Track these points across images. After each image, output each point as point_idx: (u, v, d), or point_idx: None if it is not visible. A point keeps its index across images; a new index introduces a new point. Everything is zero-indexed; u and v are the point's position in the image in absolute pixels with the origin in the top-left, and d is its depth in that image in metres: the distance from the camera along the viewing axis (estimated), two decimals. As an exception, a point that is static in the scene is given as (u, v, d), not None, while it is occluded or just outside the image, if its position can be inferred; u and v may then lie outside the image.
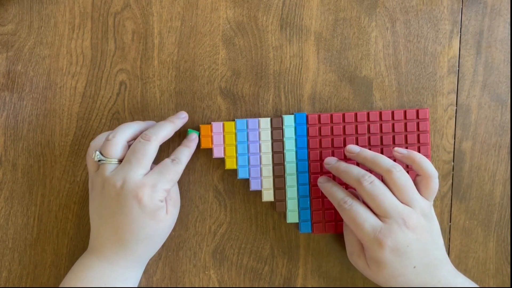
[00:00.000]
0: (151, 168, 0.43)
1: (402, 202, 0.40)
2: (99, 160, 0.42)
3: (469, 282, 0.42)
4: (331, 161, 0.44)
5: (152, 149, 0.42)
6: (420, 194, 0.41)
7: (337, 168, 0.43)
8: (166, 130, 0.44)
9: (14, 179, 0.48)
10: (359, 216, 0.40)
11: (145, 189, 0.41)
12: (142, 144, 0.42)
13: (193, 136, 0.46)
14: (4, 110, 0.48)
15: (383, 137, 0.46)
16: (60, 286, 0.43)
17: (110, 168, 0.42)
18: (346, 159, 0.46)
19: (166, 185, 0.42)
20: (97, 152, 0.42)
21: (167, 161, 0.43)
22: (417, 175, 0.42)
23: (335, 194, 0.42)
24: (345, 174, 0.42)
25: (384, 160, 0.41)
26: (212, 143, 0.46)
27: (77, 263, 0.44)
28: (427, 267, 0.40)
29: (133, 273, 0.44)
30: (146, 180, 0.41)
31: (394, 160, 0.42)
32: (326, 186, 0.43)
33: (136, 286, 0.45)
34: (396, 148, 0.43)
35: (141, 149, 0.42)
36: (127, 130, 0.44)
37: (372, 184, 0.40)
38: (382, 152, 0.46)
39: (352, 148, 0.44)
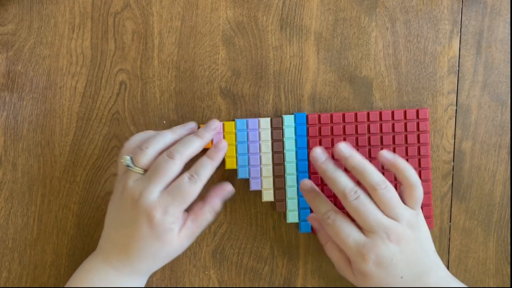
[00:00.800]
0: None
1: (388, 216, 0.40)
2: (127, 165, 0.42)
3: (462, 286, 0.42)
4: (319, 158, 0.42)
5: (174, 168, 0.41)
6: (405, 203, 0.41)
7: (324, 171, 0.42)
8: (193, 147, 0.42)
9: (14, 179, 0.48)
10: (343, 231, 0.40)
11: (157, 211, 0.40)
12: (166, 162, 0.41)
13: (222, 144, 0.43)
14: (4, 110, 0.48)
15: (383, 137, 0.46)
16: (67, 283, 0.43)
17: (134, 177, 0.41)
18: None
19: (179, 208, 0.40)
20: (128, 157, 0.42)
21: (184, 178, 0.41)
22: (401, 184, 0.42)
23: (318, 207, 0.42)
24: (331, 182, 0.41)
25: (371, 176, 0.40)
26: (212, 143, 0.46)
27: (84, 263, 0.44)
28: (416, 275, 0.40)
29: (136, 282, 0.43)
30: (159, 200, 0.40)
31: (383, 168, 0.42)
32: (309, 196, 0.43)
33: None
34: (382, 152, 0.42)
35: (163, 166, 0.41)
36: (161, 142, 0.43)
37: (357, 200, 0.40)
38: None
39: (342, 150, 0.41)
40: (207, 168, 0.42)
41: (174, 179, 0.41)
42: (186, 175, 0.41)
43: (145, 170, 0.42)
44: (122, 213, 0.42)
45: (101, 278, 0.42)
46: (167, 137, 0.43)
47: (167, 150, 0.42)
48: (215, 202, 0.43)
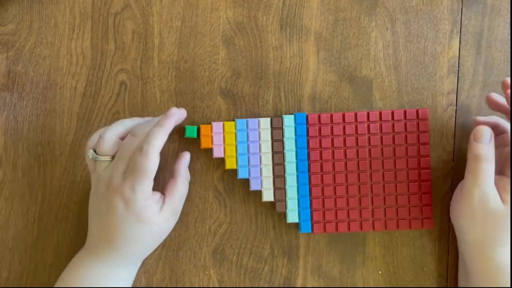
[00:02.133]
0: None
1: None
2: (93, 158, 0.43)
3: None
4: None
5: (133, 146, 0.41)
6: None
7: None
8: (151, 125, 0.42)
9: (14, 179, 0.48)
10: None
11: (125, 191, 0.40)
12: (129, 141, 0.42)
13: (172, 111, 0.42)
14: (4, 110, 0.48)
15: (383, 137, 0.46)
16: (57, 282, 0.43)
17: (103, 166, 0.42)
18: (345, 159, 0.46)
19: (144, 184, 0.40)
20: (91, 150, 0.43)
21: (135, 153, 0.40)
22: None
23: None
24: None
25: None
26: (212, 143, 0.46)
27: (73, 260, 0.44)
28: None
29: (126, 273, 0.44)
30: (125, 180, 0.40)
31: None
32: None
33: (131, 286, 0.45)
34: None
35: (126, 146, 0.41)
36: (119, 127, 0.43)
37: None
38: (382, 152, 0.46)
39: None
40: (157, 137, 0.40)
41: None
42: (137, 149, 0.40)
43: (112, 157, 0.42)
44: (99, 202, 0.42)
45: (89, 272, 0.42)
46: (124, 122, 0.44)
47: (130, 131, 0.43)
48: (182, 170, 0.44)
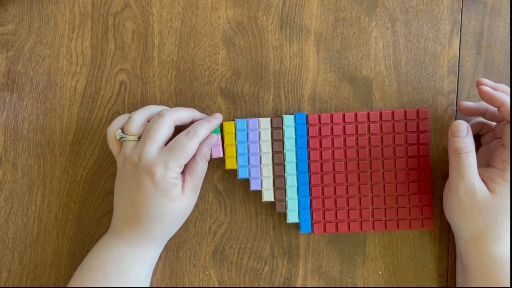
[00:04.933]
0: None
1: None
2: (120, 138, 0.43)
3: None
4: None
5: (165, 124, 0.42)
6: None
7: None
8: (183, 111, 0.44)
9: (14, 179, 0.48)
10: None
11: (157, 167, 0.41)
12: (155, 120, 0.43)
13: (218, 115, 0.45)
14: (4, 110, 0.48)
15: (383, 137, 0.46)
16: (81, 265, 0.44)
17: (131, 145, 0.43)
18: (346, 159, 0.46)
19: (179, 162, 0.42)
20: (119, 130, 0.43)
21: (182, 134, 0.43)
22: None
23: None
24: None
25: None
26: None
27: (98, 243, 0.45)
28: None
29: (150, 254, 0.44)
30: (158, 157, 0.41)
31: None
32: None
33: (151, 274, 0.45)
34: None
35: (154, 124, 0.42)
36: (149, 109, 0.45)
37: None
38: (382, 152, 0.46)
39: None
40: (203, 127, 0.43)
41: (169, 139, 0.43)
42: (183, 132, 0.43)
43: (139, 138, 0.43)
44: (126, 181, 0.43)
45: (114, 253, 0.43)
46: (154, 106, 0.45)
47: (158, 112, 0.44)
48: (204, 150, 0.45)
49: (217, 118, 0.45)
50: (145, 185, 0.41)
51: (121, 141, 0.44)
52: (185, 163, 0.42)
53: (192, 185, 0.44)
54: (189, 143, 0.42)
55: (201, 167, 0.44)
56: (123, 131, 0.44)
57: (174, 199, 0.42)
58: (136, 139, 0.43)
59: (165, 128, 0.42)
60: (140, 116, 0.44)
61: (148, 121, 0.44)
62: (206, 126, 0.44)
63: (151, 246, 0.44)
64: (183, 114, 0.44)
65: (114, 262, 0.42)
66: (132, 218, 0.42)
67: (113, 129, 0.44)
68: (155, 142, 0.42)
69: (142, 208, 0.42)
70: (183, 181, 0.43)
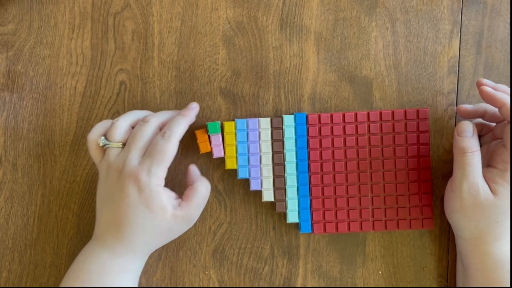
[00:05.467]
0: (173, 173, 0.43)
1: None
2: (104, 145, 0.42)
3: None
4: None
5: (148, 131, 0.42)
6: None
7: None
8: (168, 114, 0.44)
9: (14, 179, 0.48)
10: None
11: (141, 175, 0.40)
12: (140, 126, 0.42)
13: (194, 104, 0.44)
14: (4, 110, 0.48)
15: (383, 137, 0.46)
16: (66, 274, 0.43)
17: (114, 152, 0.42)
18: (346, 159, 0.46)
19: (160, 167, 0.40)
20: (102, 137, 0.43)
21: (158, 137, 0.41)
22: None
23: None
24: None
25: None
26: (211, 148, 0.46)
27: (81, 252, 0.44)
28: None
29: (134, 264, 0.43)
30: (140, 164, 0.41)
31: None
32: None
33: (136, 285, 0.45)
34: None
35: (139, 131, 0.42)
36: (132, 115, 0.44)
37: None
38: (382, 152, 0.46)
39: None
40: (179, 125, 0.42)
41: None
42: (159, 134, 0.42)
43: (123, 145, 0.42)
44: (110, 189, 0.42)
45: (97, 264, 0.42)
46: (137, 112, 0.45)
47: (142, 118, 0.43)
48: (199, 176, 0.44)
49: (192, 109, 0.44)
50: (128, 193, 0.40)
51: (104, 149, 0.43)
52: (168, 166, 0.41)
53: (185, 212, 0.42)
54: (167, 145, 0.41)
55: (201, 194, 0.43)
56: (106, 138, 0.43)
57: (156, 211, 0.41)
58: (121, 146, 0.42)
59: (150, 135, 0.42)
60: (123, 123, 0.43)
61: (133, 127, 0.43)
62: (182, 121, 0.42)
63: (134, 257, 0.43)
64: (168, 116, 0.44)
65: (98, 272, 0.42)
66: (115, 227, 0.42)
67: (95, 136, 0.43)
68: (138, 149, 0.41)
69: (124, 218, 0.41)
70: (179, 205, 0.42)
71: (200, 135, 0.46)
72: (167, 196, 0.41)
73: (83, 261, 0.43)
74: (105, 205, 0.42)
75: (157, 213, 0.41)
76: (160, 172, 0.41)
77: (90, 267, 0.42)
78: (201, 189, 0.43)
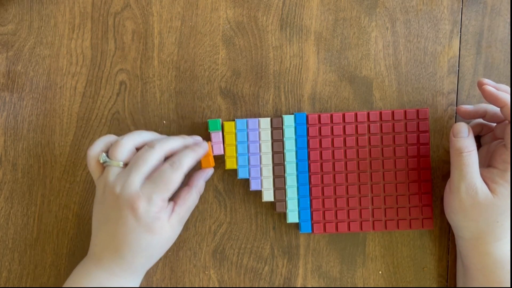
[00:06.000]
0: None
1: None
2: (104, 162, 0.42)
3: None
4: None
5: (154, 157, 0.41)
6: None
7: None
8: (174, 142, 0.43)
9: (14, 179, 0.48)
10: None
11: (140, 202, 0.39)
12: (145, 151, 0.41)
13: (204, 143, 0.44)
14: (4, 110, 0.48)
15: (383, 137, 0.46)
16: None
17: (115, 172, 0.41)
18: (346, 159, 0.46)
19: (163, 196, 0.40)
20: (103, 154, 0.42)
21: (166, 165, 0.41)
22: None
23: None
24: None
25: None
26: (211, 162, 0.46)
27: (76, 270, 0.43)
28: None
29: (132, 283, 0.43)
30: (142, 190, 0.40)
31: None
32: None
33: None
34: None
35: (144, 155, 0.41)
36: (138, 136, 0.43)
37: None
38: (382, 152, 0.46)
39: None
40: (188, 157, 0.42)
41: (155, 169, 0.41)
42: (167, 163, 0.41)
43: (125, 165, 0.42)
44: (106, 211, 0.41)
45: (93, 283, 0.41)
46: (143, 133, 0.43)
47: (148, 142, 0.42)
48: (200, 183, 0.45)
49: (203, 148, 0.43)
50: (126, 219, 0.40)
51: (104, 165, 0.42)
52: (169, 196, 0.41)
53: (179, 216, 0.42)
54: (174, 176, 0.40)
55: (193, 199, 0.44)
56: (107, 155, 0.42)
57: (157, 232, 0.40)
58: (121, 165, 0.41)
59: (154, 161, 0.41)
60: (128, 142, 0.42)
61: (137, 149, 0.42)
62: (192, 155, 0.42)
63: (133, 277, 0.43)
64: (174, 146, 0.42)
65: None
66: (113, 249, 0.41)
67: (96, 152, 0.42)
68: (140, 173, 0.40)
69: (124, 241, 0.40)
70: (172, 210, 0.42)
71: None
72: (164, 215, 0.41)
73: (79, 281, 0.42)
74: (102, 225, 0.42)
75: (158, 233, 0.41)
76: (160, 201, 0.40)
77: (87, 286, 0.42)
78: (194, 195, 0.44)
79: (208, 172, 0.46)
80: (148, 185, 0.40)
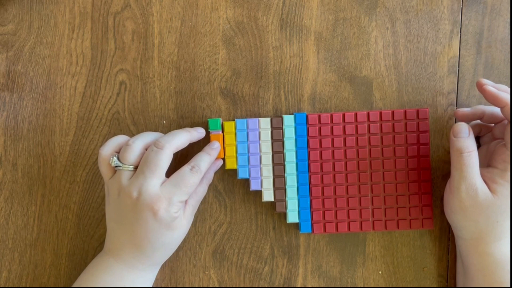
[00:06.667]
0: (170, 175, 0.43)
1: None
2: (116, 166, 0.42)
3: None
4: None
5: (165, 158, 0.42)
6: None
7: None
8: (180, 138, 0.43)
9: (14, 179, 0.48)
10: None
11: (161, 203, 0.41)
12: (155, 153, 0.41)
13: (216, 145, 0.45)
14: (4, 110, 0.48)
15: (383, 137, 0.46)
16: (75, 284, 0.44)
17: (127, 175, 0.42)
18: (346, 159, 0.46)
19: (182, 197, 0.42)
20: (115, 158, 0.42)
21: (185, 169, 0.42)
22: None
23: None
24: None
25: None
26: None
27: (93, 263, 0.44)
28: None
29: (150, 275, 0.45)
30: (162, 192, 0.41)
31: None
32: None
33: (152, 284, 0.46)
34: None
35: (154, 158, 0.41)
36: (147, 137, 0.44)
37: None
38: (382, 152, 0.46)
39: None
40: (205, 162, 0.44)
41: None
42: (187, 167, 0.43)
43: (135, 167, 0.42)
44: (124, 213, 0.42)
45: (114, 276, 0.43)
46: (152, 134, 0.45)
47: (154, 142, 0.42)
48: (210, 175, 0.46)
49: (215, 149, 0.45)
50: (147, 220, 0.41)
51: (115, 169, 0.43)
52: (187, 198, 0.43)
53: (192, 208, 0.44)
54: (194, 179, 0.42)
55: (204, 190, 0.46)
56: (118, 159, 0.42)
57: (177, 228, 0.42)
58: (132, 169, 0.42)
59: (165, 161, 0.42)
60: (139, 145, 0.43)
61: (146, 149, 0.43)
62: (207, 159, 0.44)
63: (151, 269, 0.45)
64: (181, 141, 0.43)
65: (116, 283, 0.43)
66: (133, 247, 0.42)
67: (107, 152, 0.43)
68: (157, 176, 0.41)
69: (144, 239, 0.42)
70: (185, 203, 0.44)
71: (214, 139, 0.46)
72: (181, 211, 0.43)
73: (98, 274, 0.43)
74: (118, 225, 0.43)
75: (178, 229, 0.43)
76: (179, 202, 0.42)
77: (107, 280, 0.43)
78: (204, 188, 0.46)
79: (217, 164, 0.47)
80: (169, 187, 0.41)
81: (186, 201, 0.43)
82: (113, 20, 0.48)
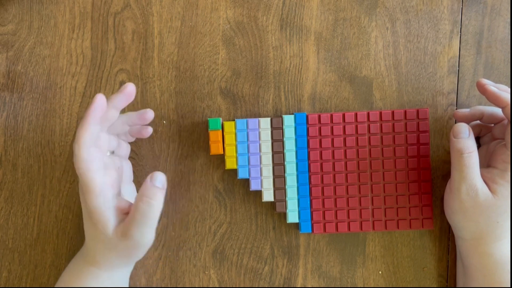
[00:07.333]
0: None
1: None
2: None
3: None
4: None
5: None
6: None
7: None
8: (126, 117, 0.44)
9: (14, 179, 0.48)
10: None
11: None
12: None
13: (97, 98, 0.38)
14: (4, 110, 0.48)
15: (383, 137, 0.46)
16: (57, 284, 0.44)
17: None
18: (346, 159, 0.46)
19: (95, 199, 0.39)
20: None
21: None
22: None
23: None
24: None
25: None
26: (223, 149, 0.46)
27: (68, 266, 0.45)
28: None
29: (102, 276, 0.43)
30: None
31: None
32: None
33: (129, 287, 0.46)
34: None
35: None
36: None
37: None
38: (382, 152, 0.46)
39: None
40: (81, 130, 0.38)
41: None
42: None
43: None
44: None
45: (86, 278, 0.42)
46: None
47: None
48: (143, 189, 0.39)
49: (91, 106, 0.38)
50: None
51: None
52: (102, 194, 0.39)
53: (123, 229, 0.39)
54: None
55: (140, 209, 0.38)
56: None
57: (97, 224, 0.39)
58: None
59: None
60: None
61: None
62: (83, 124, 0.38)
63: (99, 269, 0.42)
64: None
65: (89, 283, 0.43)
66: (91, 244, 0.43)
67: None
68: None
69: (85, 228, 0.43)
70: (123, 221, 0.40)
71: (213, 135, 0.46)
72: (113, 209, 0.39)
73: (71, 275, 0.44)
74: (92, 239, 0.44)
75: (99, 227, 0.39)
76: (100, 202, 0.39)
77: (79, 280, 0.43)
78: (140, 205, 0.38)
79: (149, 179, 0.39)
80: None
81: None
82: (113, 20, 0.48)
